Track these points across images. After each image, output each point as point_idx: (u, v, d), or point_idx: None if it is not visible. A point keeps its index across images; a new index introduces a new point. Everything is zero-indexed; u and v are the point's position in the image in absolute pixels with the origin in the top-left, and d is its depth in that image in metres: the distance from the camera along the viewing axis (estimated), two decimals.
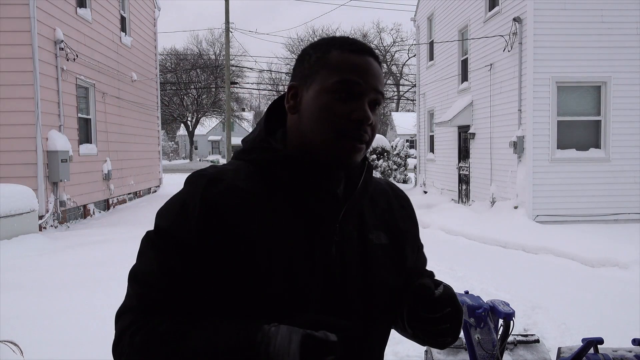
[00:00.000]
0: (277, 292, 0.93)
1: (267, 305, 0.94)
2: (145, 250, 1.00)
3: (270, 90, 60.11)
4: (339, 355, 0.84)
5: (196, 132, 53.13)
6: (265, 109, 1.09)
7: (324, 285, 0.97)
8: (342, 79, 0.96)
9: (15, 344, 2.41)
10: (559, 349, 2.43)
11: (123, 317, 1.00)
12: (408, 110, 52.90)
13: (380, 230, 1.06)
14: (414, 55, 24.05)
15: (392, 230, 1.09)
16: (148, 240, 1.00)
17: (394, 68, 52.27)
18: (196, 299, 0.95)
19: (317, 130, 0.97)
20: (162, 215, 1.00)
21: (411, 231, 1.14)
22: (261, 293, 0.93)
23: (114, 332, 1.02)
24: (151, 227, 1.03)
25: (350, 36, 1.05)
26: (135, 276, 1.00)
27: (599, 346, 2.17)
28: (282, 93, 1.07)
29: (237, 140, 66.98)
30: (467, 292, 2.18)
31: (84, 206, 11.22)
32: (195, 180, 0.99)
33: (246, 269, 0.94)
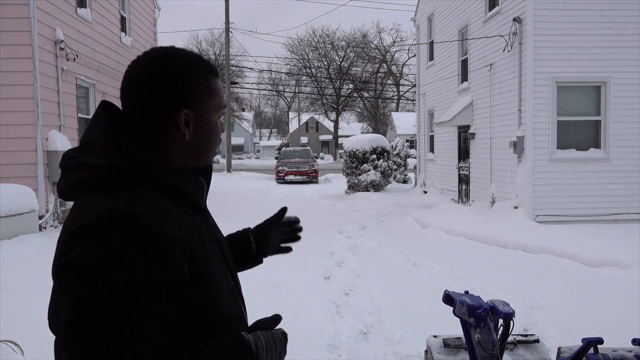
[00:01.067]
0: (229, 295, 1.12)
1: (224, 310, 1.08)
2: (111, 310, 0.87)
3: (270, 90, 60.15)
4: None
5: None
6: (99, 116, 1.05)
7: (227, 267, 1.16)
8: (224, 104, 1.14)
9: (16, 344, 2.42)
10: (559, 349, 2.43)
11: None
12: (408, 110, 52.87)
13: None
14: (414, 55, 24.05)
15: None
16: (111, 298, 0.87)
17: (394, 68, 52.27)
18: (186, 335, 1.01)
19: (211, 149, 1.13)
20: (119, 265, 0.89)
21: None
22: (218, 302, 1.06)
23: None
24: None
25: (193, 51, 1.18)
26: (112, 341, 0.86)
27: (599, 346, 2.17)
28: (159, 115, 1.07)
29: (237, 140, 67.12)
30: (467, 292, 2.18)
31: None
32: (145, 227, 0.92)
33: (207, 286, 1.03)
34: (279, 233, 1.55)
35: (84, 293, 0.88)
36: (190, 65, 1.08)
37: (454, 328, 4.57)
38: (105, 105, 1.06)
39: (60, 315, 0.91)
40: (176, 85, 1.05)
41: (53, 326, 1.06)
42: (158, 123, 1.05)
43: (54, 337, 1.03)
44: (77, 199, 1.01)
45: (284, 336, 1.13)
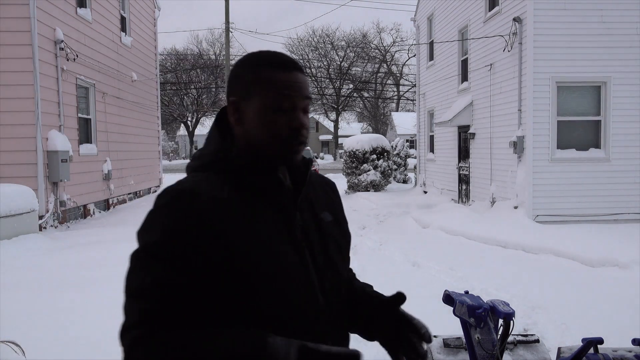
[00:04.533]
0: (271, 287, 1.07)
1: (267, 303, 1.07)
2: (137, 268, 1.04)
3: None
4: None
5: (196, 132, 53.05)
6: (213, 121, 1.22)
7: (300, 265, 1.13)
8: (277, 95, 1.12)
9: (16, 344, 2.41)
10: (559, 349, 2.43)
11: (127, 334, 1.01)
12: (408, 110, 52.86)
13: (325, 211, 1.27)
14: (414, 55, 24.05)
15: (331, 210, 1.31)
16: (138, 259, 1.04)
17: (394, 68, 52.26)
18: (194, 310, 1.02)
19: (264, 140, 1.13)
20: (148, 231, 1.06)
21: (342, 209, 1.38)
22: (258, 293, 1.06)
23: (121, 350, 1.03)
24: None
25: (277, 51, 1.19)
26: (132, 293, 1.03)
27: (598, 346, 2.17)
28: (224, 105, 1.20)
29: None
30: (467, 292, 2.18)
31: (84, 206, 11.22)
32: (176, 195, 1.06)
33: (241, 274, 1.04)
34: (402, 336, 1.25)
35: (132, 253, 1.06)
36: (248, 59, 1.17)
37: (454, 328, 4.57)
38: (223, 110, 1.22)
39: None
40: (230, 79, 1.19)
41: None
42: (222, 112, 1.20)
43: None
44: None
45: None
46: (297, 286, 1.11)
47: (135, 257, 1.05)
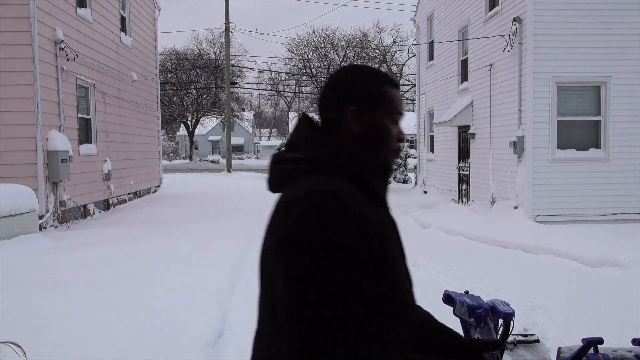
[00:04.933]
0: (408, 285, 1.23)
1: (405, 302, 1.19)
2: (332, 274, 1.00)
3: (270, 90, 60.15)
4: None
5: (196, 132, 53.07)
6: (301, 123, 1.27)
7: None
8: (398, 111, 1.27)
9: (17, 345, 2.41)
10: (559, 349, 2.43)
11: (338, 347, 0.98)
12: (408, 110, 52.86)
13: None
14: (414, 55, 24.05)
15: None
16: (329, 264, 1.01)
17: (394, 68, 52.28)
18: (380, 315, 1.10)
19: (381, 147, 1.24)
20: (335, 235, 1.03)
21: None
22: (401, 287, 1.17)
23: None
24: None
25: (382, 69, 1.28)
26: (331, 301, 0.99)
27: (598, 346, 2.17)
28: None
29: (237, 140, 67.13)
30: (467, 292, 2.19)
31: (84, 206, 11.22)
32: (344, 201, 1.08)
33: (394, 276, 1.15)
34: None
35: (301, 259, 1.02)
36: (363, 73, 1.27)
37: (454, 328, 4.57)
38: (305, 115, 1.29)
39: (278, 280, 1.05)
40: (346, 87, 1.25)
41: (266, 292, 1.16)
42: (330, 113, 1.25)
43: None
44: (283, 187, 1.20)
45: None
46: (409, 280, 1.26)
47: (324, 263, 1.01)
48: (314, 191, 1.08)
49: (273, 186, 1.26)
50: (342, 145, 1.23)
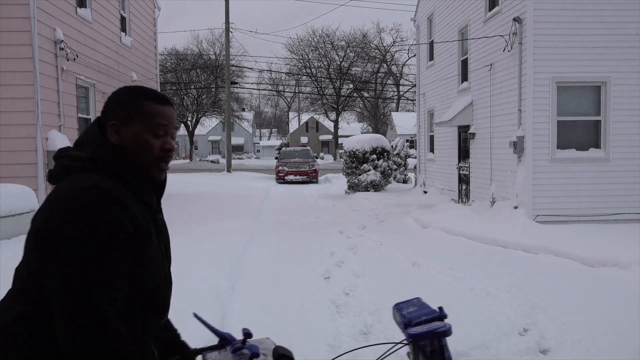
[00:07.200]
0: (161, 274, 1.42)
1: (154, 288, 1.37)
2: (88, 255, 1.19)
3: (271, 90, 60.13)
4: None
5: (196, 132, 53.07)
6: (93, 125, 1.43)
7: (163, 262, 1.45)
8: (156, 123, 1.40)
9: None
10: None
11: (101, 321, 1.18)
12: (408, 110, 52.87)
13: (160, 213, 1.53)
14: (414, 55, 24.05)
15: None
16: (85, 247, 1.19)
17: (394, 68, 52.26)
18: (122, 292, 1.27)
19: (140, 156, 1.39)
20: (95, 222, 1.21)
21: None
22: (153, 286, 1.37)
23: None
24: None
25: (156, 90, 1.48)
26: (86, 283, 1.18)
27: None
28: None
29: (237, 140, 67.09)
30: (418, 300, 1.67)
31: None
32: (111, 195, 1.26)
33: (148, 270, 1.35)
34: None
35: (71, 247, 1.18)
36: (128, 91, 1.44)
37: (454, 328, 4.57)
38: (99, 119, 1.44)
39: (43, 258, 1.22)
40: (110, 103, 1.43)
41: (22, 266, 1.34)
42: (104, 129, 1.42)
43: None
44: (60, 180, 1.34)
45: None
46: (164, 270, 1.45)
47: (79, 247, 1.19)
48: (89, 186, 1.24)
49: (53, 178, 1.38)
50: (112, 152, 1.37)
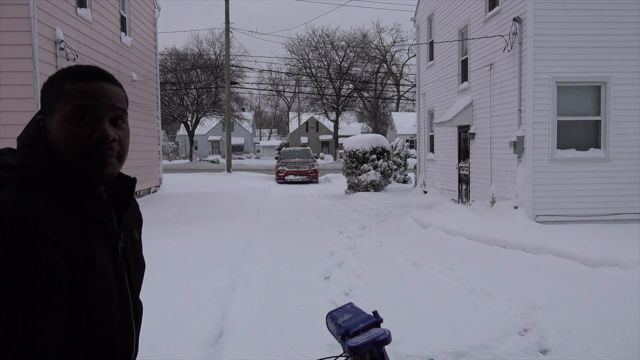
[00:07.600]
0: (112, 316, 1.10)
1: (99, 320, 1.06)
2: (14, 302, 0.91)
3: (270, 90, 60.14)
4: None
5: (196, 132, 53.07)
6: (30, 124, 1.17)
7: (121, 287, 1.14)
8: (76, 105, 1.07)
9: None
10: None
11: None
12: (408, 110, 52.89)
13: (134, 229, 1.27)
14: (414, 55, 24.06)
15: (138, 228, 1.31)
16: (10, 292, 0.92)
17: (394, 68, 52.27)
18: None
19: (68, 155, 1.07)
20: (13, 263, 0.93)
21: (141, 229, 1.37)
22: (92, 316, 1.05)
23: None
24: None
25: (90, 64, 1.16)
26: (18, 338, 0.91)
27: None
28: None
29: (237, 140, 67.11)
30: (350, 306, 1.56)
31: None
32: (21, 227, 0.95)
33: (88, 304, 1.03)
34: None
35: None
36: (54, 75, 1.14)
37: (454, 328, 4.58)
38: (39, 116, 1.15)
39: None
40: (41, 96, 1.15)
41: None
42: (37, 129, 1.13)
43: None
44: None
45: None
46: (118, 310, 1.12)
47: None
48: (2, 215, 0.96)
49: None
50: (43, 156, 1.09)
